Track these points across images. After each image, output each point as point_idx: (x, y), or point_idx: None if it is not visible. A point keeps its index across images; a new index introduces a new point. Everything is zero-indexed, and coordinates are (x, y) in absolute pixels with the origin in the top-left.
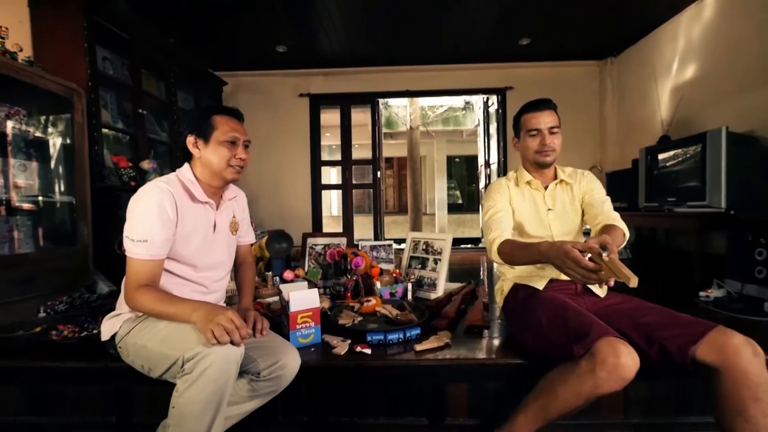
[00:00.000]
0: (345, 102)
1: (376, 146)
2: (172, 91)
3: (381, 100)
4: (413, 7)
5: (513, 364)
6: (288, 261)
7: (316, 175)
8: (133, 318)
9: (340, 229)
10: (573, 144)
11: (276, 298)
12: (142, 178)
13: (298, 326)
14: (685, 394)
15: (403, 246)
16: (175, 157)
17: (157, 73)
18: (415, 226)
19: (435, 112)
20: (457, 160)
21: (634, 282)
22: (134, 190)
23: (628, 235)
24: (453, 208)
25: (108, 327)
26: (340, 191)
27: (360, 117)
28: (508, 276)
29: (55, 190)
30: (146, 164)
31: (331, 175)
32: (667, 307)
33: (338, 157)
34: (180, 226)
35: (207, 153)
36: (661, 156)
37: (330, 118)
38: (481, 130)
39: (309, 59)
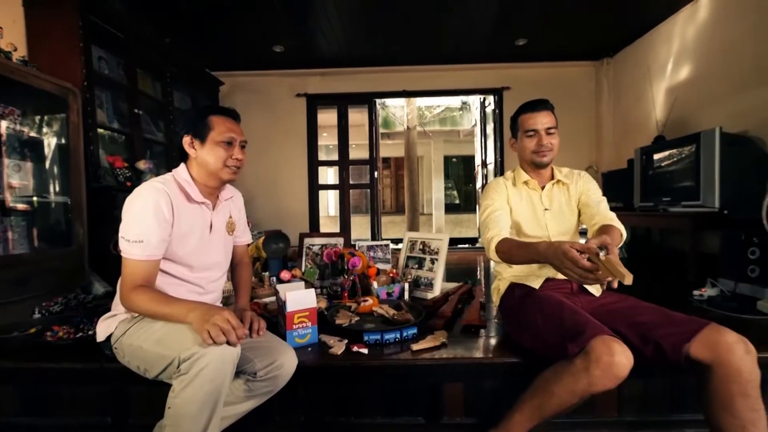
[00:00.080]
0: (342, 102)
1: (373, 146)
2: (168, 91)
3: (378, 101)
4: (411, 7)
5: (509, 363)
6: (285, 261)
7: (313, 175)
8: (129, 319)
9: (337, 229)
10: (569, 144)
11: (273, 299)
12: (138, 178)
13: (294, 326)
14: (679, 391)
15: (400, 246)
16: (171, 158)
17: (153, 73)
18: (413, 226)
19: (432, 113)
20: (454, 160)
21: (629, 279)
22: (130, 190)
23: (625, 235)
24: (450, 208)
25: (103, 328)
26: (337, 191)
27: (357, 117)
28: (505, 275)
29: (50, 191)
30: (142, 164)
31: (329, 175)
32: (662, 305)
33: (335, 157)
34: (176, 227)
35: (203, 153)
36: (656, 156)
37: (327, 118)
38: (478, 130)
39: (306, 59)
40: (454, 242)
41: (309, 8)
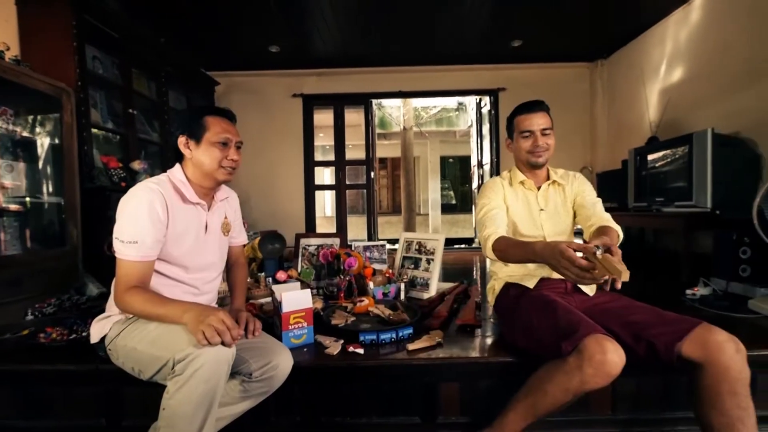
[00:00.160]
0: (338, 102)
1: (369, 147)
2: (163, 90)
3: (374, 101)
4: (406, 8)
5: (504, 362)
6: (281, 262)
7: (309, 175)
8: (123, 320)
9: (333, 230)
10: (564, 145)
11: (268, 299)
12: (132, 178)
13: (290, 327)
14: (672, 390)
15: (396, 246)
16: (166, 158)
17: (148, 73)
18: (409, 227)
19: (428, 113)
20: (450, 160)
21: (626, 276)
22: (124, 190)
23: (621, 236)
24: (446, 209)
25: (97, 329)
26: (334, 192)
27: (353, 117)
28: (500, 275)
29: (43, 191)
30: (137, 165)
31: (325, 176)
32: (656, 305)
33: (332, 157)
34: (171, 227)
35: (198, 154)
36: (649, 157)
37: (323, 118)
38: (474, 130)
39: (302, 59)
40: (450, 242)
41: (305, 8)
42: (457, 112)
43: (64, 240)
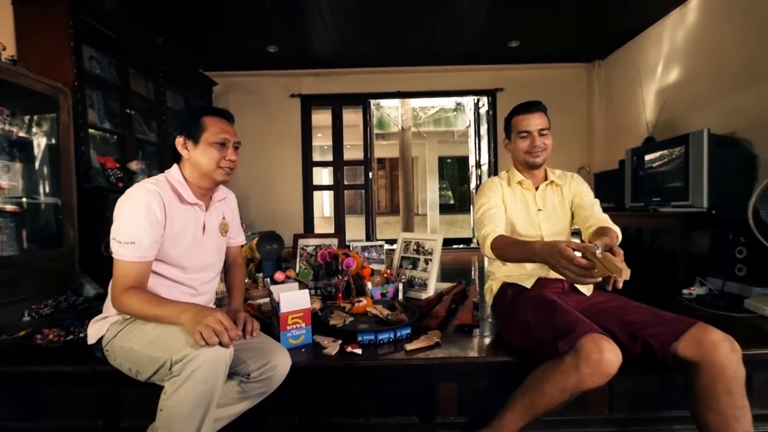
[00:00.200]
0: (336, 103)
1: (367, 147)
2: (160, 90)
3: (372, 101)
4: (404, 8)
5: (501, 362)
6: (279, 262)
7: (307, 175)
8: (121, 321)
9: (332, 230)
10: (562, 145)
11: (266, 300)
12: (129, 179)
13: (288, 327)
14: (668, 389)
15: (394, 246)
16: (163, 158)
17: (146, 73)
18: (407, 227)
19: (426, 113)
20: (448, 160)
21: (626, 274)
22: (122, 191)
23: (620, 236)
24: (445, 209)
25: (95, 330)
26: (332, 192)
27: (351, 118)
28: (498, 275)
29: (39, 192)
30: (134, 165)
31: (323, 176)
32: (652, 304)
33: (330, 157)
34: (168, 228)
35: (196, 154)
36: (646, 157)
37: (321, 118)
38: (472, 131)
39: (300, 60)
40: (448, 242)
41: (303, 8)
42: (455, 113)
43: (61, 241)
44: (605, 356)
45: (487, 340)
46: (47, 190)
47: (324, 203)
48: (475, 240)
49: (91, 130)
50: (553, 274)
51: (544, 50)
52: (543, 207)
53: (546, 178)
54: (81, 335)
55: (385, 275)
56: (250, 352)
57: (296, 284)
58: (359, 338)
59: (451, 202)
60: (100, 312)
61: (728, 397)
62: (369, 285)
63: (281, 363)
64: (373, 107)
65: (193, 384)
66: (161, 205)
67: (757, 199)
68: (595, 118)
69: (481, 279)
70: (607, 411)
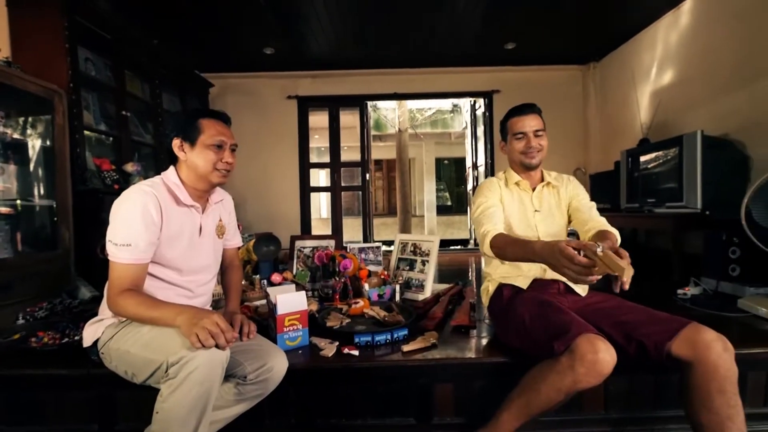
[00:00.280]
0: (333, 104)
1: (364, 148)
2: (156, 92)
3: (369, 103)
4: (401, 10)
5: (498, 362)
6: (276, 264)
7: (304, 177)
8: (116, 323)
9: (329, 232)
10: (557, 146)
11: (263, 302)
12: (125, 181)
13: (285, 329)
14: (663, 389)
15: (391, 248)
16: (160, 160)
17: (142, 75)
18: (404, 228)
19: (423, 115)
20: (445, 162)
21: (629, 272)
22: (118, 193)
23: (619, 239)
24: (442, 210)
25: (90, 333)
26: (329, 193)
27: (349, 119)
28: (494, 276)
29: (34, 194)
30: (130, 167)
31: (320, 178)
32: (647, 304)
33: (327, 159)
34: (165, 230)
35: (193, 156)
36: (641, 158)
37: (318, 120)
38: (468, 132)
39: (297, 61)
40: (445, 244)
41: (299, 10)
42: (451, 114)
43: (56, 243)
44: (600, 356)
45: (483, 341)
46: (42, 192)
47: (321, 205)
48: (472, 241)
49: (86, 132)
50: (549, 275)
51: (540, 52)
52: (540, 208)
53: (542, 180)
54: (76, 338)
55: (382, 277)
56: (247, 354)
57: (293, 286)
58: (356, 340)
59: (448, 203)
60: (96, 315)
61: (721, 396)
62: (366, 286)
63: (278, 365)
64: (370, 109)
65: (190, 386)
66: (157, 207)
67: (749, 200)
68: (591, 119)
69: (478, 280)
70: (602, 411)
